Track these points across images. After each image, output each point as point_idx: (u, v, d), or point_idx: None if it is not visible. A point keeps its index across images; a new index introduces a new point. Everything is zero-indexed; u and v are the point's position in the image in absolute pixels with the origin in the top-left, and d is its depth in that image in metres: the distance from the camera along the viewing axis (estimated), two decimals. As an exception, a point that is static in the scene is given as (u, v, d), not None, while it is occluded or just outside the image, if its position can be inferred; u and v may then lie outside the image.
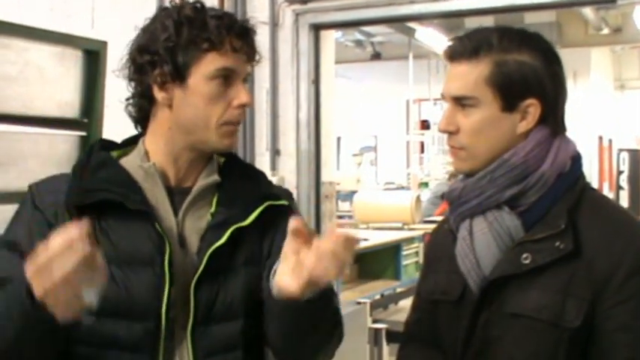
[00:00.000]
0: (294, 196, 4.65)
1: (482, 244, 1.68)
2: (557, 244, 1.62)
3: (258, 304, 1.76)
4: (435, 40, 12.53)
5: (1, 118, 2.98)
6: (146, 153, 1.77)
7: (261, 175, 1.90)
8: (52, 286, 1.38)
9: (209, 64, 1.68)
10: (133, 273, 1.66)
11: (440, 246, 1.87)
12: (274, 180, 4.60)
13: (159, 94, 1.71)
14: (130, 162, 1.77)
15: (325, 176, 4.83)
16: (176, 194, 1.76)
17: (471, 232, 1.69)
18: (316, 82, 4.75)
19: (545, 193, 1.67)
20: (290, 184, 4.72)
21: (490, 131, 1.68)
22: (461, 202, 1.72)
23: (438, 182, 13.09)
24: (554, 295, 1.62)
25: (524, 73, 1.67)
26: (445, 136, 1.75)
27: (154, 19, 1.74)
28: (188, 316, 1.69)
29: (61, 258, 1.36)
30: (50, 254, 1.36)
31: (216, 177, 1.78)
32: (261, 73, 4.78)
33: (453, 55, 1.71)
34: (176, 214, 1.74)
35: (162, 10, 1.75)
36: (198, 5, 1.73)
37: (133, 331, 1.66)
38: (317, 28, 4.73)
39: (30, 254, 1.59)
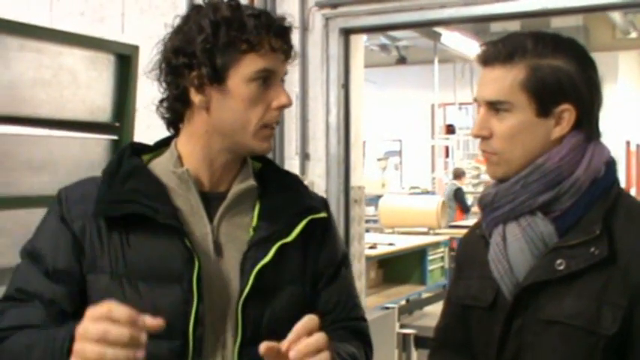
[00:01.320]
0: (324, 200, 4.67)
1: (515, 250, 1.66)
2: (592, 250, 1.60)
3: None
4: (460, 44, 12.50)
5: (34, 122, 2.99)
6: (179, 157, 1.72)
7: (300, 184, 1.85)
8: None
9: (248, 65, 1.63)
10: (160, 289, 1.62)
11: (471, 251, 1.85)
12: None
13: (196, 97, 1.66)
14: (162, 166, 1.74)
15: (354, 181, 4.81)
16: (211, 200, 1.71)
17: (504, 238, 1.68)
18: (346, 86, 4.74)
19: (580, 199, 1.65)
20: (319, 189, 4.71)
21: (524, 136, 1.67)
22: (494, 207, 1.70)
23: (448, 183, 13.07)
24: (589, 302, 1.59)
25: (559, 78, 1.65)
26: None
27: (187, 19, 1.68)
28: (221, 335, 1.66)
29: (117, 346, 1.33)
30: (111, 337, 1.33)
31: (252, 182, 1.74)
32: (291, 77, 4.76)
33: (487, 59, 1.70)
34: (211, 219, 1.70)
35: (195, 9, 1.69)
36: (234, 4, 1.68)
37: (158, 350, 1.58)
38: (347, 33, 4.72)
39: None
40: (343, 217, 4.73)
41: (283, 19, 1.70)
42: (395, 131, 17.38)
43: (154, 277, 1.63)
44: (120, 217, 1.64)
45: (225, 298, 1.67)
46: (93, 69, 3.16)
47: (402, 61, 16.14)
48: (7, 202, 2.82)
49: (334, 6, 4.67)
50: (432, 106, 16.06)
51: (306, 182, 4.61)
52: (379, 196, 11.54)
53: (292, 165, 4.80)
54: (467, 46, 12.49)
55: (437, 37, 12.33)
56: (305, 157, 4.80)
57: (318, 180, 4.74)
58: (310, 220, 1.75)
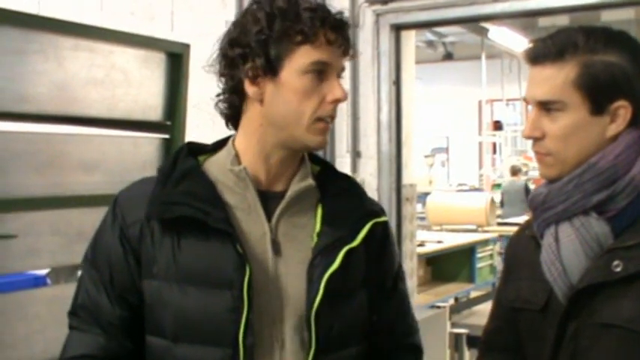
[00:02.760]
0: (376, 198, 4.64)
1: (569, 251, 1.61)
2: None
3: (370, 326, 1.75)
4: (508, 39, 12.38)
5: (86, 121, 2.99)
6: (236, 155, 1.71)
7: (359, 188, 1.83)
8: None
9: (302, 57, 1.61)
10: (210, 294, 1.61)
11: (521, 253, 1.80)
12: (354, 182, 4.60)
13: (250, 89, 1.65)
14: (218, 165, 1.72)
15: (406, 178, 4.76)
16: (268, 198, 1.69)
17: (557, 239, 1.62)
18: (397, 83, 4.69)
19: (636, 198, 1.59)
20: (370, 187, 4.68)
21: (579, 136, 1.61)
22: (545, 207, 1.65)
23: (507, 181, 12.96)
24: None
25: (613, 74, 1.59)
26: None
27: (245, 12, 1.67)
28: (276, 341, 1.64)
29: None
30: None
31: (310, 181, 1.72)
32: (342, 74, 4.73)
33: (536, 57, 1.64)
34: (269, 218, 1.68)
35: (253, 3, 1.68)
36: None
37: (208, 357, 1.60)
38: (398, 29, 4.68)
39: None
40: (395, 215, 4.69)
41: (340, 13, 1.67)
42: (442, 128, 17.29)
43: (204, 282, 1.61)
44: (172, 219, 1.63)
45: (284, 301, 1.65)
46: (145, 68, 3.16)
47: (448, 57, 16.05)
48: (61, 202, 2.83)
49: (385, 2, 4.63)
50: (479, 102, 15.95)
51: (357, 180, 4.60)
52: (426, 194, 11.46)
53: (343, 163, 4.78)
54: (514, 41, 12.36)
55: (484, 32, 12.22)
56: (356, 154, 4.76)
57: (369, 178, 4.70)
58: (372, 224, 1.73)
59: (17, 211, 2.67)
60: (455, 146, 17.57)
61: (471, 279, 8.67)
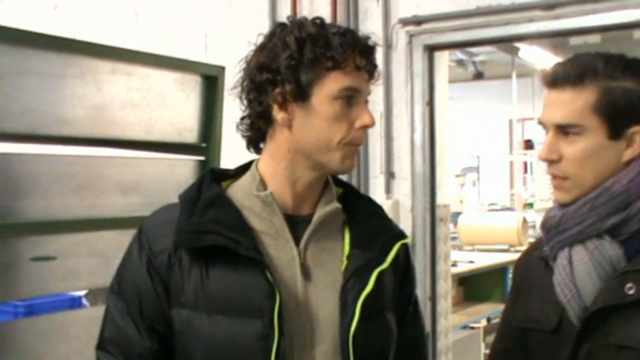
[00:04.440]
0: (410, 219, 4.63)
1: (582, 274, 1.63)
2: None
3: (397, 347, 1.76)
4: (539, 58, 12.32)
5: (123, 143, 3.02)
6: (262, 180, 1.71)
7: (382, 210, 1.85)
8: None
9: (333, 83, 1.62)
10: (239, 323, 1.60)
11: (530, 274, 1.83)
12: (389, 203, 4.60)
13: (278, 115, 1.65)
14: (244, 190, 1.72)
15: (440, 199, 4.74)
16: (296, 222, 1.70)
17: (571, 261, 1.65)
18: (430, 103, 4.68)
19: None
20: (405, 207, 4.67)
21: (596, 160, 1.65)
22: (559, 230, 1.68)
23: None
24: None
25: (631, 100, 1.63)
26: None
27: (272, 36, 1.67)
28: None
29: None
30: None
31: (336, 204, 1.73)
32: (375, 95, 4.70)
33: (556, 81, 1.67)
34: (297, 243, 1.68)
35: (279, 27, 1.68)
36: (319, 21, 1.67)
37: None
38: (431, 49, 4.66)
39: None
40: (429, 236, 4.67)
41: (368, 37, 1.69)
42: (472, 147, 17.22)
43: (234, 311, 1.60)
44: (201, 248, 1.63)
45: (315, 326, 1.65)
46: (180, 90, 3.19)
47: (479, 76, 15.99)
48: (99, 224, 2.85)
49: (418, 23, 4.63)
50: (510, 121, 15.87)
51: (391, 201, 4.59)
52: (458, 213, 11.40)
53: (377, 184, 4.77)
54: (545, 59, 12.31)
55: (515, 51, 12.17)
56: (390, 175, 4.74)
57: (403, 199, 4.68)
58: (400, 245, 1.76)
59: (57, 233, 2.69)
60: (486, 165, 17.49)
61: (503, 299, 8.58)
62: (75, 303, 3.49)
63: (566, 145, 1.65)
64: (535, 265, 1.79)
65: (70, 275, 2.74)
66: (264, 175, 1.71)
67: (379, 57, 4.95)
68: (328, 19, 4.57)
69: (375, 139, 4.77)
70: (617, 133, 1.64)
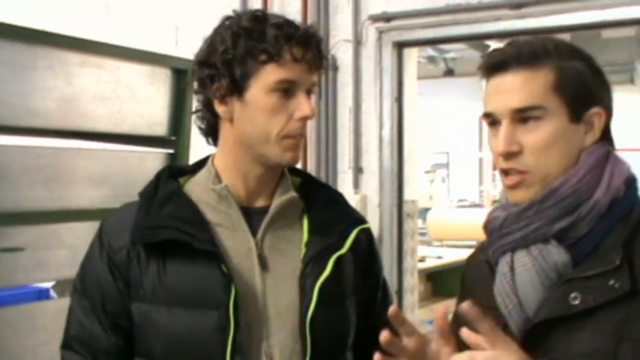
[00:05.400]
0: (377, 214, 4.66)
1: (524, 282, 1.46)
2: (612, 282, 1.39)
3: (362, 333, 1.76)
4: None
5: (93, 136, 3.03)
6: (217, 173, 1.72)
7: (342, 197, 1.86)
8: None
9: (267, 76, 1.62)
10: (198, 315, 1.61)
11: (474, 277, 1.67)
12: (357, 198, 4.64)
13: (219, 108, 1.66)
14: (200, 185, 1.74)
15: (407, 194, 4.79)
16: (252, 214, 1.71)
17: (512, 268, 1.48)
18: (399, 99, 4.72)
19: (596, 224, 1.46)
20: (372, 202, 4.71)
21: (560, 146, 1.48)
22: (502, 233, 1.50)
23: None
24: (605, 339, 1.38)
25: (586, 81, 1.50)
26: None
27: (215, 31, 1.68)
28: (267, 356, 1.65)
29: None
30: None
31: (292, 194, 1.73)
32: (345, 91, 4.79)
33: (506, 63, 1.49)
34: (254, 234, 1.69)
35: (223, 21, 1.69)
36: (260, 14, 1.67)
37: None
38: (400, 46, 4.69)
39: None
40: (396, 231, 4.71)
41: (310, 28, 1.68)
42: (442, 144, 17.30)
43: (191, 303, 1.62)
44: (157, 243, 1.64)
45: (273, 315, 1.66)
46: (150, 83, 3.20)
47: (449, 73, 16.06)
48: (68, 216, 2.86)
49: (388, 19, 4.66)
50: (480, 118, 15.98)
51: (359, 196, 4.61)
52: (427, 209, 11.47)
53: (345, 179, 4.80)
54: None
55: (485, 48, 12.25)
56: (358, 170, 4.77)
57: (371, 194, 4.72)
58: (358, 231, 1.76)
59: (25, 225, 2.71)
60: (456, 162, 17.58)
61: (471, 295, 8.66)
62: (42, 295, 3.49)
63: (526, 133, 1.47)
64: (480, 268, 1.61)
65: (38, 266, 2.76)
66: (219, 168, 1.72)
67: (349, 53, 4.98)
68: (299, 15, 4.60)
69: (344, 134, 4.81)
70: (578, 115, 1.48)
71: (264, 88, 1.62)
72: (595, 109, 1.51)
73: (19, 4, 5.80)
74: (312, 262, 1.67)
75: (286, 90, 1.63)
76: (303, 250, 1.69)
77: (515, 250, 1.48)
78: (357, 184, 4.76)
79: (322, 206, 1.77)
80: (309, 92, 1.67)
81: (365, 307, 1.80)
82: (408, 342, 1.46)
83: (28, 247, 2.69)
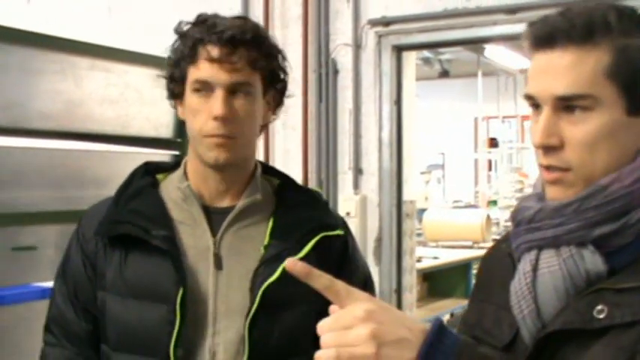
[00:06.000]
0: (377, 214, 4.72)
1: (547, 286, 1.24)
2: None
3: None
4: (504, 57, 12.48)
5: (102, 138, 3.09)
6: (185, 172, 1.75)
7: (317, 201, 1.83)
8: None
9: (190, 77, 1.64)
10: (149, 308, 1.65)
11: (495, 270, 1.45)
12: (357, 198, 4.71)
13: (178, 110, 1.73)
14: (172, 182, 1.77)
15: (406, 195, 4.87)
16: (214, 213, 1.72)
17: (536, 269, 1.25)
18: (398, 102, 4.80)
19: None
20: (372, 203, 4.80)
21: (611, 144, 1.22)
22: (532, 227, 1.28)
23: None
24: (616, 352, 1.17)
25: None
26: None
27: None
28: (211, 353, 1.66)
29: None
30: None
31: (257, 196, 1.73)
32: (345, 93, 4.89)
33: (553, 37, 1.22)
34: (214, 233, 1.71)
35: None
36: (199, 17, 1.69)
37: None
38: (399, 50, 4.78)
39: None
40: (395, 231, 4.79)
41: (239, 26, 1.66)
42: (438, 144, 17.35)
43: (144, 296, 1.66)
44: (118, 236, 1.69)
45: (222, 314, 1.67)
46: (157, 86, 3.24)
47: (444, 74, 16.12)
48: (76, 216, 2.91)
49: (387, 24, 4.74)
50: (475, 119, 16.02)
51: (359, 196, 4.66)
52: (422, 210, 11.51)
53: (345, 179, 4.90)
54: (510, 59, 12.47)
55: (480, 50, 12.32)
56: (358, 171, 4.86)
57: (371, 194, 4.81)
58: (324, 237, 1.73)
59: (37, 225, 2.76)
60: (451, 163, 17.62)
61: (466, 295, 8.68)
62: (45, 294, 3.53)
63: (571, 126, 1.21)
64: (501, 260, 1.41)
65: (50, 265, 2.81)
66: (187, 168, 1.75)
67: (348, 57, 5.03)
68: (299, 19, 4.65)
69: (344, 136, 4.91)
70: (637, 107, 1.21)
71: (189, 89, 1.65)
72: None
73: (22, 7, 5.86)
74: (265, 265, 1.66)
75: (202, 90, 1.63)
76: (262, 252, 1.69)
77: (543, 248, 1.26)
78: (357, 185, 4.85)
79: (290, 209, 1.76)
80: (232, 92, 1.64)
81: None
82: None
83: (40, 246, 2.75)
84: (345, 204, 4.78)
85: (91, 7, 5.75)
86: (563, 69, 1.21)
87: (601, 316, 1.18)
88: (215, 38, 1.62)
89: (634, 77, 1.21)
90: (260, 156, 5.01)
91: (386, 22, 4.75)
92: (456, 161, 17.37)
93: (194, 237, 1.70)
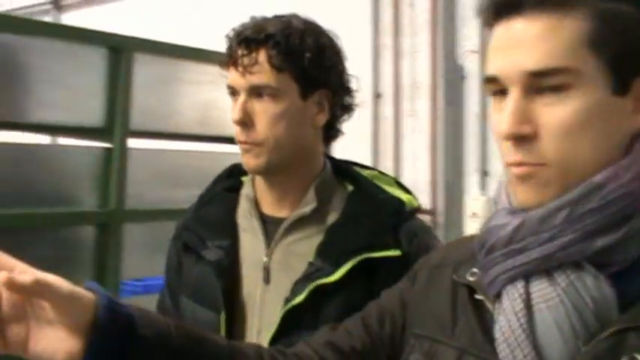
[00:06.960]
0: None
1: (548, 326, 0.95)
2: None
3: None
4: None
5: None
6: (253, 179, 1.69)
7: (382, 214, 1.61)
8: None
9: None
10: (200, 311, 1.63)
11: (437, 298, 1.17)
12: (483, 199, 4.84)
13: None
14: (247, 188, 1.71)
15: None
16: (272, 224, 1.64)
17: (529, 304, 0.97)
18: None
19: None
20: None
21: (596, 129, 0.97)
22: (513, 249, 0.99)
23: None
24: None
25: (636, 33, 0.98)
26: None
27: None
28: None
29: None
30: None
31: (305, 209, 1.62)
32: (472, 98, 5.02)
33: (520, 3, 0.99)
34: (269, 245, 1.63)
35: None
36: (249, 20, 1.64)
37: None
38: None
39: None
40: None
41: (254, 27, 1.58)
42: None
43: (197, 299, 1.64)
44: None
45: (262, 329, 1.59)
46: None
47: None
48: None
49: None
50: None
51: (485, 199, 4.79)
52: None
53: (471, 182, 5.02)
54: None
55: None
56: (484, 174, 4.97)
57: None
58: (372, 259, 1.54)
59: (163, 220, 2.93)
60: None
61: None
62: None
63: (546, 108, 0.97)
64: (443, 288, 1.16)
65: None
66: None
67: (475, 63, 5.13)
68: (427, 25, 4.70)
69: (472, 139, 5.03)
70: (624, 84, 0.97)
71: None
72: None
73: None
74: (298, 285, 1.54)
75: (233, 95, 1.58)
76: (307, 268, 1.57)
77: (530, 277, 0.98)
78: (483, 187, 4.97)
79: (347, 222, 1.60)
80: (258, 95, 1.55)
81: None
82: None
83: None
84: (472, 204, 4.89)
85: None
86: (534, 39, 0.97)
87: None
88: (235, 41, 1.56)
89: (621, 48, 0.97)
90: (389, 160, 5.24)
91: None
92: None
93: (253, 246, 1.64)
